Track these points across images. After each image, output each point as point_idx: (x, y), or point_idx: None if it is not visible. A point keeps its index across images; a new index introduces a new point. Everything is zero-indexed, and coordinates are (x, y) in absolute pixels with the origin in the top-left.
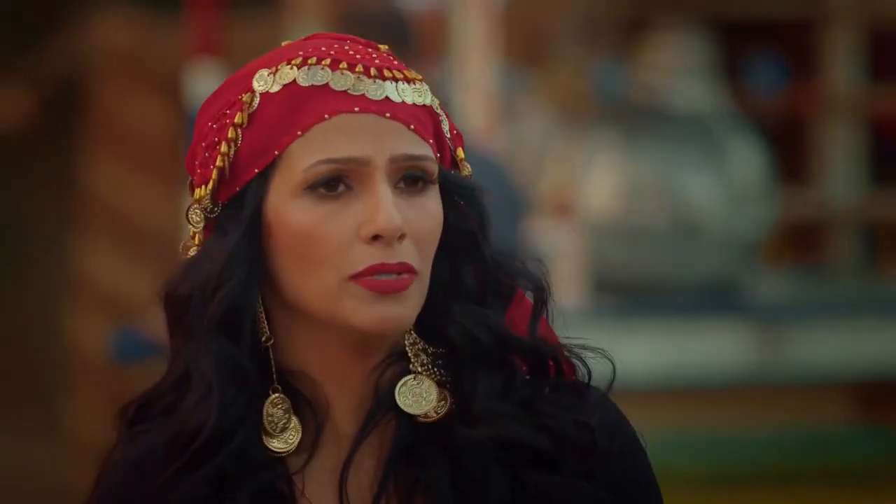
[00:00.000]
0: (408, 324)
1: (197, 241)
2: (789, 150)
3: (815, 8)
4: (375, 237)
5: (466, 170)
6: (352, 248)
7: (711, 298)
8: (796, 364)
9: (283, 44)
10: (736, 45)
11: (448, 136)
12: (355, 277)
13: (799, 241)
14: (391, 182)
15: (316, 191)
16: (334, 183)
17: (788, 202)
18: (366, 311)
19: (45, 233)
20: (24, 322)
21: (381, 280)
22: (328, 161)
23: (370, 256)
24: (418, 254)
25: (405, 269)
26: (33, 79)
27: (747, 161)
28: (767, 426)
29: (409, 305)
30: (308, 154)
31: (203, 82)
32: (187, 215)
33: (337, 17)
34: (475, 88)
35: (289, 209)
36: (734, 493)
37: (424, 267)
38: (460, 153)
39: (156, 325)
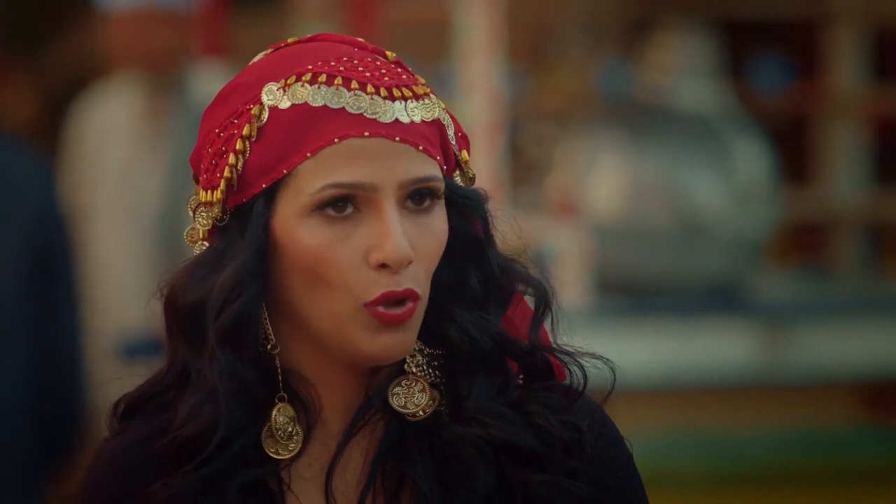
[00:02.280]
0: (411, 349)
1: (202, 236)
2: (794, 149)
3: (820, 8)
4: (383, 265)
5: (471, 172)
6: (361, 274)
7: (715, 298)
8: (800, 364)
9: (288, 41)
10: (740, 44)
11: (453, 140)
12: (368, 305)
13: (803, 241)
14: (399, 203)
15: (324, 212)
16: (342, 204)
17: (793, 202)
18: (372, 340)
19: None
20: None
21: (390, 313)
22: (335, 185)
23: (378, 284)
24: (423, 275)
25: (411, 295)
26: (39, 79)
27: (752, 161)
28: (772, 426)
29: (412, 332)
30: (316, 177)
31: (208, 82)
32: (194, 215)
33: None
34: (479, 88)
35: (297, 229)
36: (738, 494)
37: (427, 287)
38: (465, 155)
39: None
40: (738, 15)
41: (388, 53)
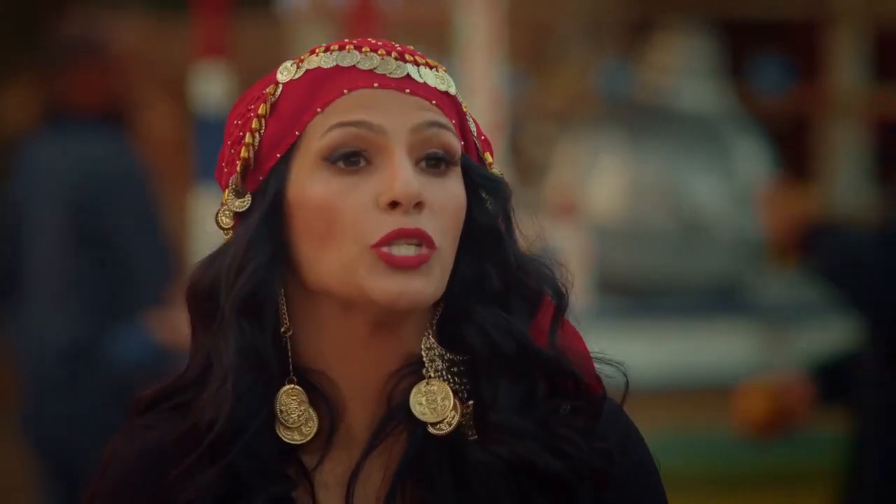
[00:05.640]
0: (426, 301)
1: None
2: (794, 150)
3: (821, 8)
4: (393, 204)
5: (498, 172)
6: (369, 218)
7: (716, 299)
8: (802, 364)
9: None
10: (741, 45)
11: (475, 136)
12: (375, 247)
13: None
14: (412, 157)
15: (335, 164)
16: (355, 158)
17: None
18: (383, 284)
19: None
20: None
21: (399, 256)
22: (341, 124)
23: (388, 224)
24: (439, 227)
25: (423, 236)
26: (39, 80)
27: (752, 161)
28: None
29: (428, 281)
30: (325, 126)
31: (209, 83)
32: (217, 220)
33: (342, 19)
34: (480, 88)
35: (308, 184)
36: (739, 494)
37: (444, 243)
38: (488, 157)
39: (159, 325)
40: (739, 15)
41: (410, 48)
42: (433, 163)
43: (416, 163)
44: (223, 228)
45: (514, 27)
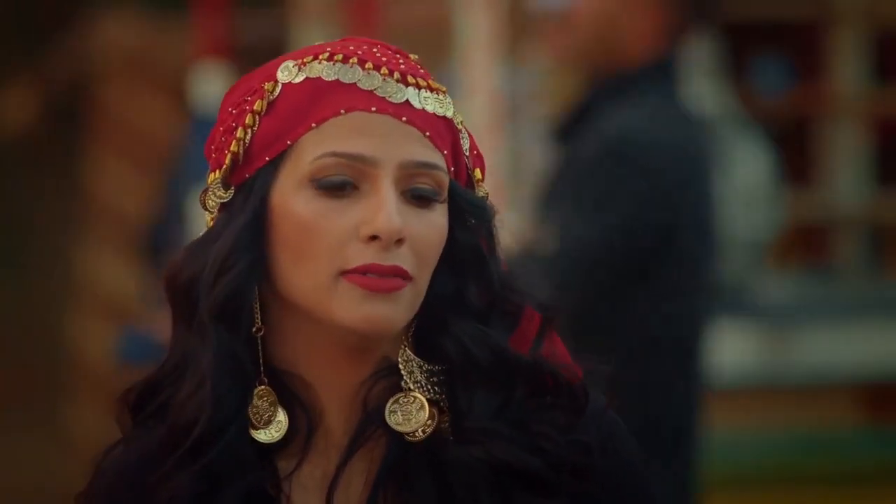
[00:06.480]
0: (397, 326)
1: (212, 221)
2: (796, 151)
3: (822, 9)
4: (373, 237)
5: (483, 191)
6: (347, 246)
7: (717, 300)
8: (802, 365)
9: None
10: (742, 46)
11: (467, 154)
12: (346, 273)
13: (805, 243)
14: (398, 188)
15: (322, 187)
16: (343, 185)
17: (794, 204)
18: (354, 310)
19: (52, 235)
20: (30, 325)
21: (371, 279)
22: (334, 154)
23: (364, 255)
24: (416, 261)
25: (398, 272)
26: (39, 81)
27: (753, 162)
28: (773, 427)
29: (399, 307)
30: (317, 147)
31: (209, 83)
32: (203, 201)
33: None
34: (480, 88)
35: (293, 200)
36: (739, 495)
37: (420, 274)
38: (478, 174)
39: (160, 325)
40: (740, 16)
41: (412, 56)
42: (419, 197)
43: (402, 192)
44: (208, 210)
45: (513, 27)
